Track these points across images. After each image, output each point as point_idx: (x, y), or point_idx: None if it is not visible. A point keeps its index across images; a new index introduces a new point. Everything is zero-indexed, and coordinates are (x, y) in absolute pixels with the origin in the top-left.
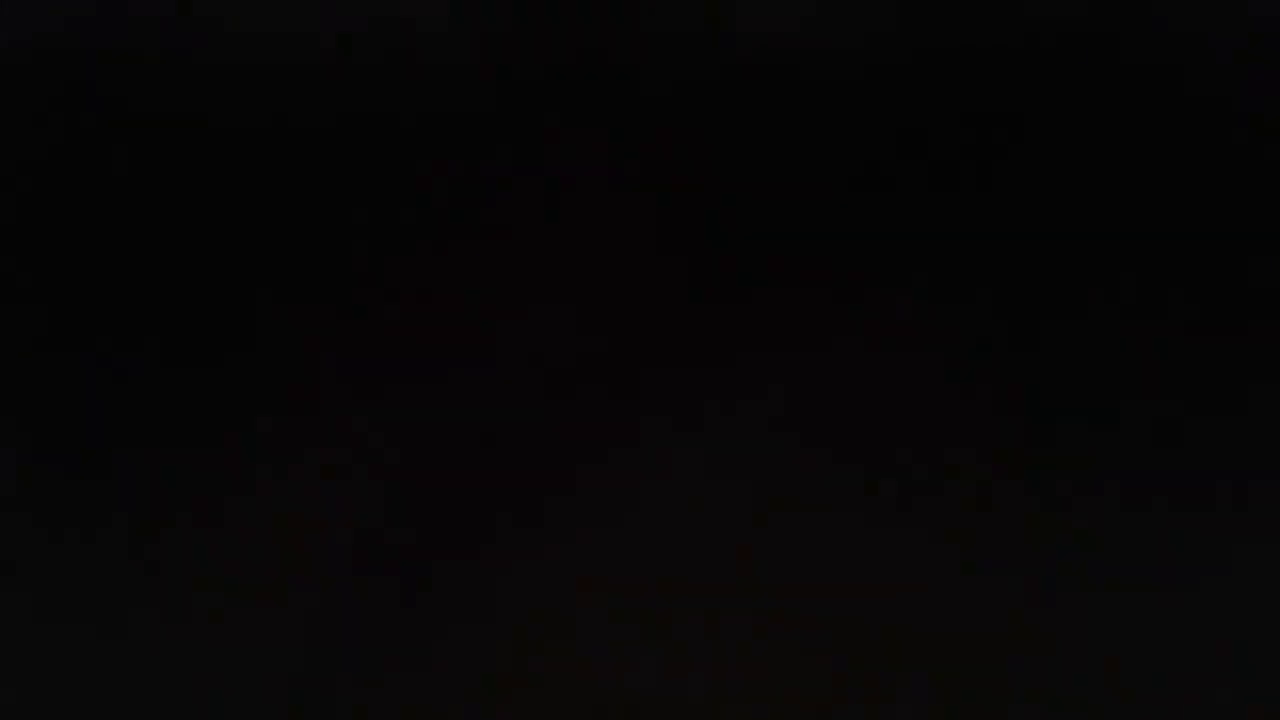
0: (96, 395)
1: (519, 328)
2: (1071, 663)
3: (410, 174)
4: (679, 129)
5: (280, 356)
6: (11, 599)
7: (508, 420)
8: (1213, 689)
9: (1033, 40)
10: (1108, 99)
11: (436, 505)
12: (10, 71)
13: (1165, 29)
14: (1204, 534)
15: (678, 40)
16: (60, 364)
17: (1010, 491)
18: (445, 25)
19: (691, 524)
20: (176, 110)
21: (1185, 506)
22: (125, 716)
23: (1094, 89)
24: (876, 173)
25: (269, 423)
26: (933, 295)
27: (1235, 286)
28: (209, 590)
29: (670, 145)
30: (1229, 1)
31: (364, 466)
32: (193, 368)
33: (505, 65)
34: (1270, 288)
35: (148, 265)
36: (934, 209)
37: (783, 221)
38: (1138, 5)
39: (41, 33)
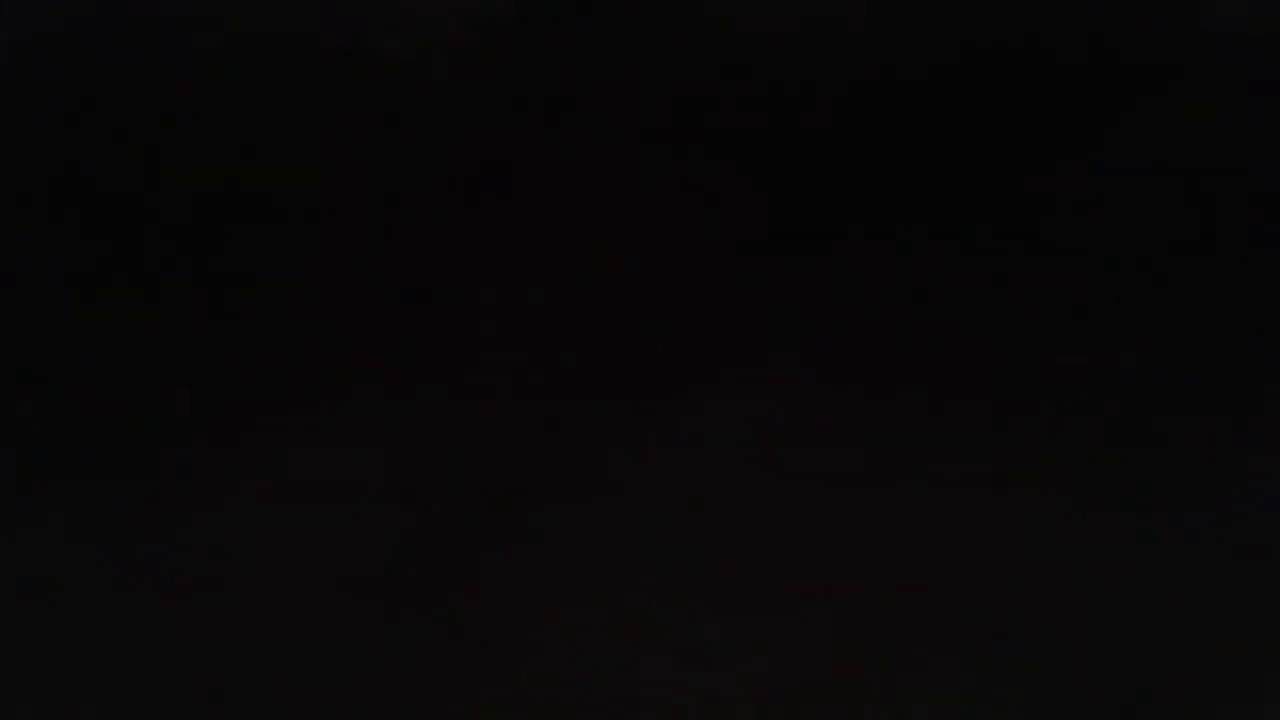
0: (97, 395)
1: (519, 328)
2: (1077, 668)
3: (411, 175)
4: (678, 130)
5: (282, 357)
6: (13, 598)
7: (509, 423)
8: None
9: (1033, 40)
10: (1108, 99)
11: (440, 505)
12: (10, 72)
13: (1165, 29)
14: (1208, 549)
15: (677, 40)
16: (60, 364)
17: (1018, 498)
18: (446, 26)
19: (693, 525)
20: (176, 110)
21: (1189, 514)
22: (125, 716)
23: (1094, 89)
24: (875, 173)
25: (270, 424)
26: (934, 295)
27: (1237, 284)
28: (209, 591)
29: (670, 147)
30: (1229, 2)
31: (365, 467)
32: (192, 369)
33: (504, 66)
34: (1271, 285)
35: (149, 265)
36: (934, 209)
37: (783, 224)
38: (1138, 5)
39: (41, 33)
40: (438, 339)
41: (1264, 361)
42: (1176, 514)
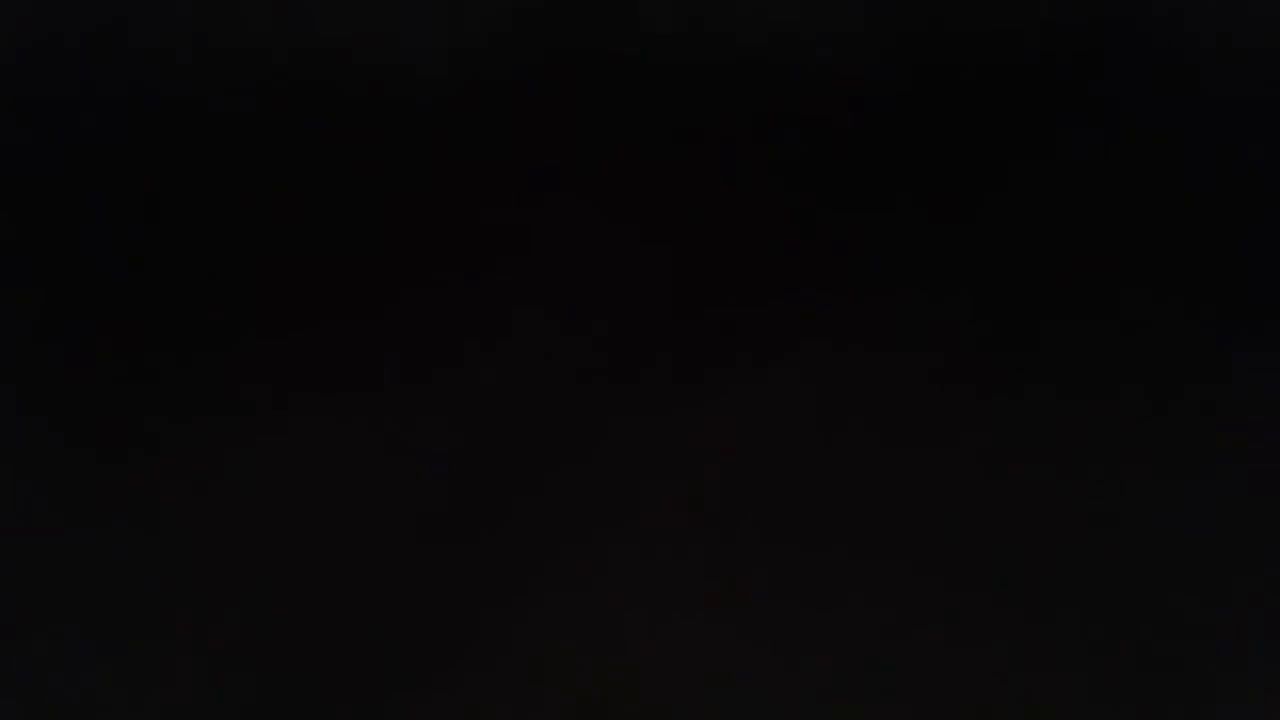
0: (99, 393)
1: (522, 327)
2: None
3: (410, 176)
4: (675, 130)
5: (283, 359)
6: (14, 598)
7: (516, 417)
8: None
9: (1033, 41)
10: (1107, 99)
11: (447, 497)
12: (10, 72)
13: (1166, 30)
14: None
15: (673, 40)
16: (62, 361)
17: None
18: (445, 27)
19: (704, 516)
20: (176, 111)
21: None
22: (123, 716)
23: (1093, 89)
24: (874, 174)
25: (271, 421)
26: (931, 296)
27: (1237, 286)
28: (207, 584)
29: (667, 148)
30: (1229, 3)
31: (367, 463)
32: (191, 369)
33: (504, 65)
34: (1271, 287)
35: (148, 264)
36: (932, 212)
37: (779, 226)
38: (1138, 5)
39: (41, 33)
40: (439, 338)
41: (1263, 360)
42: (1183, 510)
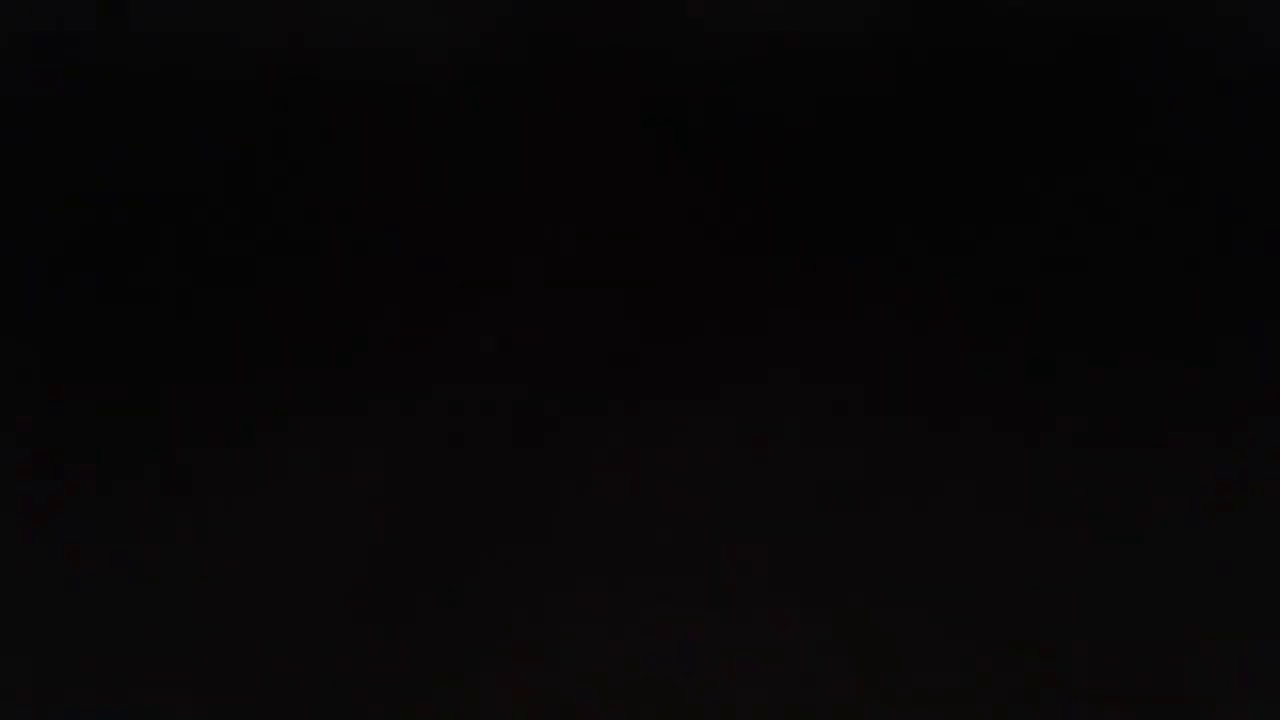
0: (97, 396)
1: (515, 334)
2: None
3: (407, 180)
4: (671, 130)
5: (281, 359)
6: (15, 599)
7: (507, 428)
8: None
9: (1032, 38)
10: (1106, 98)
11: (435, 513)
12: (10, 71)
13: (1167, 30)
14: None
15: (667, 40)
16: (60, 364)
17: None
18: (443, 26)
19: (686, 535)
20: (174, 115)
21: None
22: (122, 715)
23: (1090, 87)
24: (873, 181)
25: (269, 426)
26: (929, 294)
27: (1236, 282)
28: (203, 597)
29: (666, 154)
30: (1231, 5)
31: (361, 470)
32: (189, 370)
33: (498, 65)
34: (1269, 285)
35: (148, 266)
36: (932, 217)
37: (780, 231)
38: (1139, 5)
39: (41, 33)
40: (434, 345)
41: (1264, 367)
42: (1177, 523)
